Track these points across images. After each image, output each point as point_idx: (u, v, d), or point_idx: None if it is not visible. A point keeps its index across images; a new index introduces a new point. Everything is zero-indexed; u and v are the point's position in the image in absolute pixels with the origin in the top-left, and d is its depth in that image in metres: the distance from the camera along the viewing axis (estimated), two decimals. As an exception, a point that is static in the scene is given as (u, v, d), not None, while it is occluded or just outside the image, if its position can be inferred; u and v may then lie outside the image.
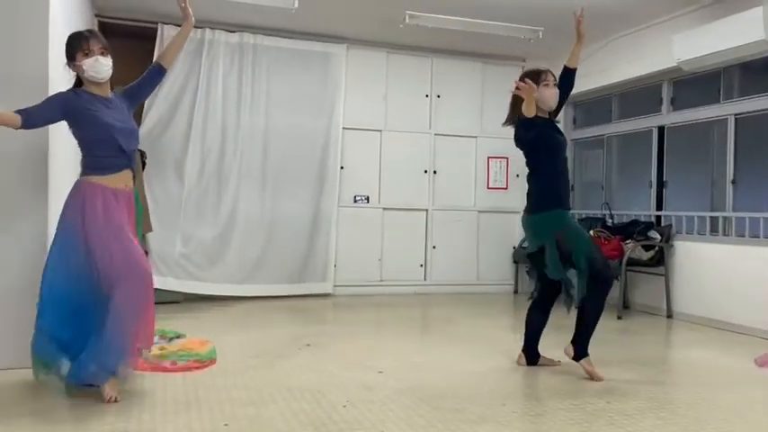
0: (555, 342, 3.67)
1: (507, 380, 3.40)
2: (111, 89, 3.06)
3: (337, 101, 6.29)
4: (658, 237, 5.54)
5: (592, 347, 3.45)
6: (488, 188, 6.97)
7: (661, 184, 5.89)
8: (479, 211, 6.92)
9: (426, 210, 6.75)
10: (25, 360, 2.93)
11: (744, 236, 4.98)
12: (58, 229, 2.92)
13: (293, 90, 6.15)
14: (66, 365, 2.81)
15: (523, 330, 3.65)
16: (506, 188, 7.00)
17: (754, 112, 5.04)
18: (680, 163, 5.81)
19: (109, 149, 2.92)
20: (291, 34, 6.13)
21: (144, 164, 5.36)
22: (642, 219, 5.91)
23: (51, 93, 3.29)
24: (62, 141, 3.60)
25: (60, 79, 3.50)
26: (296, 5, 5.10)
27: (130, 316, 2.84)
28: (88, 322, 2.81)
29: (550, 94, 3.51)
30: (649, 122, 6.02)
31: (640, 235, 5.56)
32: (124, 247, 2.86)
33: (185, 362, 3.40)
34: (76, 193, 2.90)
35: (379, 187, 6.57)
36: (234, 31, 5.95)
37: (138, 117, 5.70)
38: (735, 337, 4.64)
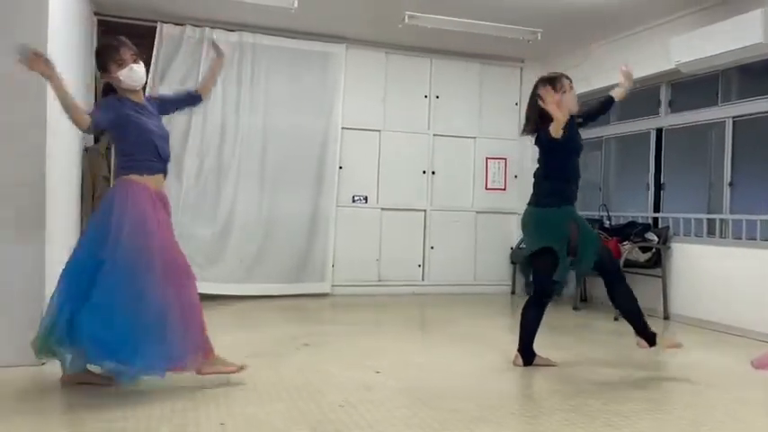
0: (550, 342, 3.68)
1: (504, 380, 3.41)
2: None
3: (336, 101, 6.30)
4: (656, 238, 5.55)
5: (588, 347, 3.46)
6: (486, 189, 6.97)
7: (658, 186, 5.90)
8: (477, 212, 6.93)
9: (425, 210, 6.75)
10: (22, 357, 2.93)
11: (741, 238, 4.99)
12: (95, 222, 3.00)
13: (292, 89, 6.15)
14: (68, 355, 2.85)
15: (519, 331, 3.66)
16: (504, 189, 7.01)
17: (752, 114, 5.05)
18: (677, 165, 5.82)
19: (148, 153, 3.03)
20: (291, 34, 6.13)
21: (142, 162, 5.35)
22: (639, 220, 5.92)
23: (50, 91, 3.29)
24: (60, 137, 3.60)
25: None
26: (295, 5, 5.10)
27: (199, 309, 3.03)
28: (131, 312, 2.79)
29: (571, 99, 3.55)
30: (647, 125, 6.03)
31: (638, 237, 5.57)
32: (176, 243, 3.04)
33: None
34: (121, 189, 2.97)
35: (377, 187, 6.58)
36: (233, 30, 5.95)
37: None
38: (731, 339, 4.65)
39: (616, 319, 5.22)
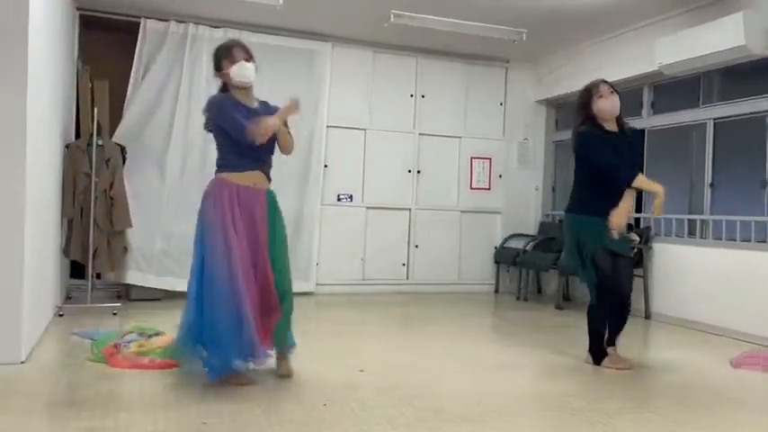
0: (534, 341, 3.68)
1: (488, 379, 3.42)
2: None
3: (321, 99, 6.27)
4: (637, 239, 5.59)
5: (570, 346, 3.47)
6: (471, 188, 6.99)
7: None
8: (462, 212, 6.95)
9: (410, 209, 6.76)
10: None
11: (721, 238, 5.06)
12: (208, 224, 3.12)
13: (277, 87, 6.07)
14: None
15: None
16: (489, 189, 7.03)
17: (733, 116, 5.11)
18: (659, 166, 5.88)
19: (237, 152, 3.13)
20: (276, 31, 6.09)
21: (124, 159, 5.30)
22: (622, 221, 5.96)
23: (31, 87, 3.25)
24: (41, 133, 3.55)
25: (40, 74, 3.46)
26: (281, 2, 5.07)
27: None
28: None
29: (605, 105, 3.60)
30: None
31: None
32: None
33: (164, 359, 3.36)
34: (214, 187, 3.17)
35: (362, 186, 6.57)
36: (218, 27, 5.90)
37: (120, 112, 5.64)
38: (712, 339, 4.71)
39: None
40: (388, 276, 6.62)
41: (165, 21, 5.73)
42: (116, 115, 5.67)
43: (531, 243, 6.51)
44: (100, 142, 5.01)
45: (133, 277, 5.48)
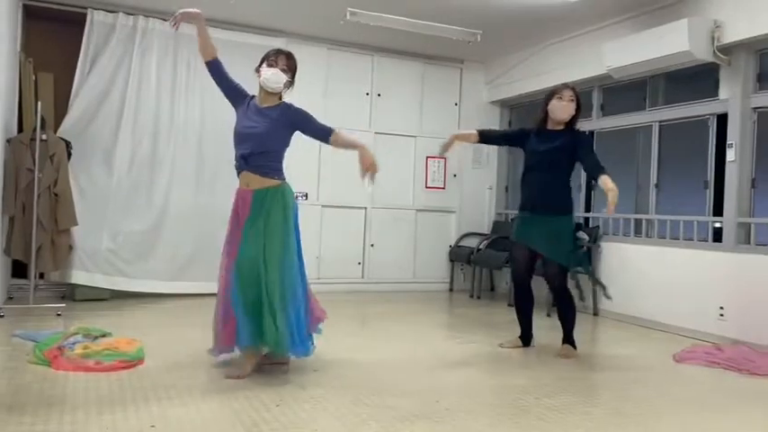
0: (485, 338, 3.73)
1: (442, 377, 3.45)
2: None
3: (275, 95, 6.19)
4: (586, 237, 5.72)
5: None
6: (426, 187, 7.04)
7: (589, 187, 6.11)
8: (417, 210, 6.98)
9: (365, 208, 6.75)
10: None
11: (665, 237, 5.24)
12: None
13: (230, 83, 6.00)
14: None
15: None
16: (444, 188, 7.09)
17: (677, 119, 5.30)
18: (608, 167, 5.98)
19: (235, 153, 3.35)
20: (229, 26, 5.98)
21: (69, 154, 5.12)
22: (572, 220, 6.10)
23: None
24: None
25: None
26: (235, -4, 4.99)
27: None
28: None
29: (555, 107, 3.81)
30: (580, 127, 6.20)
31: (570, 235, 5.73)
32: None
33: (111, 361, 3.26)
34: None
35: (318, 184, 6.53)
36: (169, 20, 5.74)
37: (65, 105, 5.44)
38: (656, 334, 4.87)
39: (548, 315, 5.38)
40: (343, 275, 6.59)
41: (114, 12, 5.56)
42: (61, 109, 5.48)
43: (485, 242, 6.60)
44: (44, 137, 4.82)
45: (78, 277, 5.29)
